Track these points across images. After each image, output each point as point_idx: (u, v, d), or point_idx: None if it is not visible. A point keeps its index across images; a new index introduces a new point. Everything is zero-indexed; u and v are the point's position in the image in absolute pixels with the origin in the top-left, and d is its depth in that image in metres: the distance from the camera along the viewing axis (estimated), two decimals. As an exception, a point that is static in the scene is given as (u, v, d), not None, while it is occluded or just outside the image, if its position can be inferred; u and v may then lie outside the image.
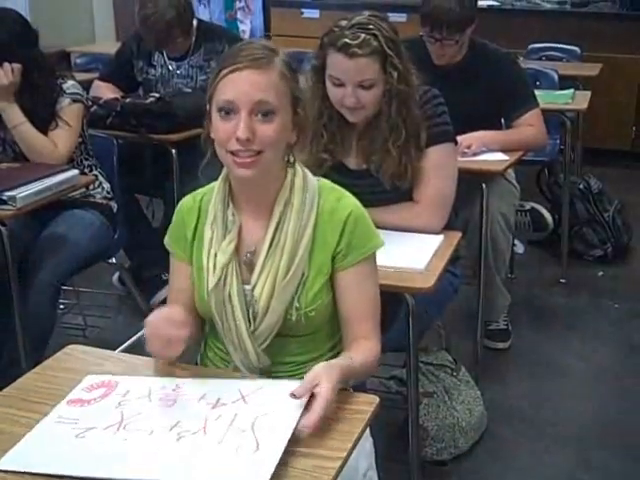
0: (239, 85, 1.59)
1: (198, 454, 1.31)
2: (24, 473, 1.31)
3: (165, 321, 1.55)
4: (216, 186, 1.74)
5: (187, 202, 1.79)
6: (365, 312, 1.72)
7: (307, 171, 1.75)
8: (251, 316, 1.69)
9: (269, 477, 1.24)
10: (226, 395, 1.47)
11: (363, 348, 1.69)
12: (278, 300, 1.67)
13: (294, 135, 1.69)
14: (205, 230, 1.72)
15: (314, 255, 1.68)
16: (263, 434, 1.34)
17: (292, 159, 1.72)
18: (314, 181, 1.74)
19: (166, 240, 1.80)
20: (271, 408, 1.42)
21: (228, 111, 1.60)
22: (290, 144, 1.70)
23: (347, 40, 2.16)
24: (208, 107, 1.66)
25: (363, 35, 2.16)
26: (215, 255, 1.70)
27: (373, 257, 1.73)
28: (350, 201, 1.73)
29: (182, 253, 1.77)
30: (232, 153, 1.61)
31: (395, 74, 2.20)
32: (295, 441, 1.35)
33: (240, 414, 1.41)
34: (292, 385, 1.44)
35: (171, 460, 1.30)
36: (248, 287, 1.69)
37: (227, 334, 1.71)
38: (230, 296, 1.69)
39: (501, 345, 3.40)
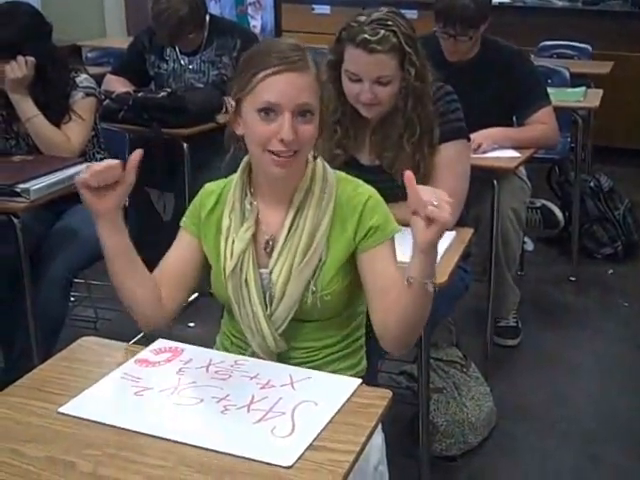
0: (282, 87, 1.63)
1: (237, 428, 1.40)
2: (81, 419, 1.42)
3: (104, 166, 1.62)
4: (235, 177, 1.78)
5: (210, 186, 1.83)
6: (391, 287, 1.68)
7: (326, 164, 1.79)
8: (267, 300, 1.73)
9: (293, 462, 1.30)
10: (277, 378, 1.55)
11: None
12: (294, 284, 1.70)
13: (319, 131, 1.73)
14: (223, 218, 1.76)
15: (332, 241, 1.72)
16: (301, 420, 1.41)
17: (315, 153, 1.76)
18: (332, 173, 1.78)
19: (183, 219, 1.83)
20: (315, 397, 1.48)
21: (269, 112, 1.63)
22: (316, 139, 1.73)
23: (366, 36, 2.16)
24: (233, 105, 1.69)
25: (382, 31, 2.16)
26: (233, 242, 1.74)
27: (393, 241, 1.75)
28: (366, 189, 1.77)
29: (194, 227, 1.80)
30: (272, 152, 1.65)
31: (412, 71, 2.21)
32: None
33: (285, 398, 1.48)
34: (338, 378, 1.57)
35: (212, 429, 1.40)
36: (266, 271, 1.73)
37: (244, 319, 1.74)
38: (247, 281, 1.72)
39: (511, 342, 3.40)
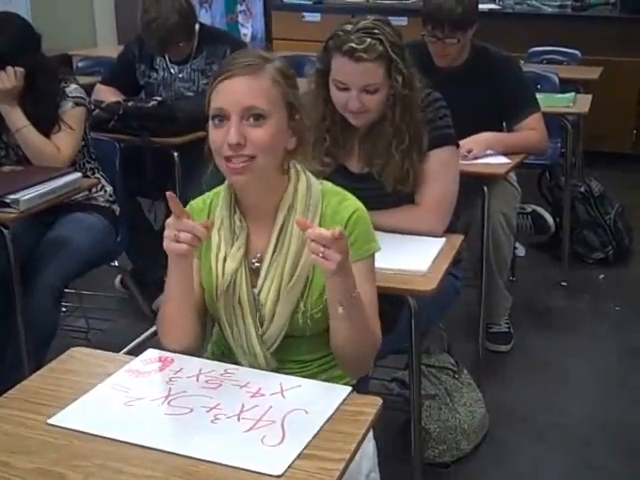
0: (229, 92, 1.62)
1: (227, 437, 1.40)
2: (71, 430, 1.43)
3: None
4: (222, 192, 1.76)
5: (197, 204, 1.81)
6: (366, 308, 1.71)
7: (310, 176, 1.77)
8: (258, 321, 1.71)
9: (283, 471, 1.30)
10: (267, 387, 1.55)
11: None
12: (283, 305, 1.69)
13: (293, 141, 1.71)
14: (212, 235, 1.74)
15: None
16: (291, 428, 1.41)
17: (293, 165, 1.73)
18: (317, 185, 1.76)
19: None
20: (305, 405, 1.49)
21: (221, 118, 1.63)
22: (289, 150, 1.71)
23: (353, 44, 2.16)
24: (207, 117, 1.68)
25: (369, 40, 2.17)
26: (224, 260, 1.72)
27: (370, 259, 1.74)
28: (353, 203, 1.74)
29: (195, 250, 1.76)
30: (226, 159, 1.63)
31: (400, 79, 2.21)
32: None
33: (275, 406, 1.48)
34: (329, 386, 1.58)
35: (201, 439, 1.40)
36: (255, 290, 1.72)
37: (236, 338, 1.73)
38: (240, 301, 1.71)
39: (503, 347, 3.40)
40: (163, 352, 1.70)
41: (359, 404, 1.50)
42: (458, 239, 2.36)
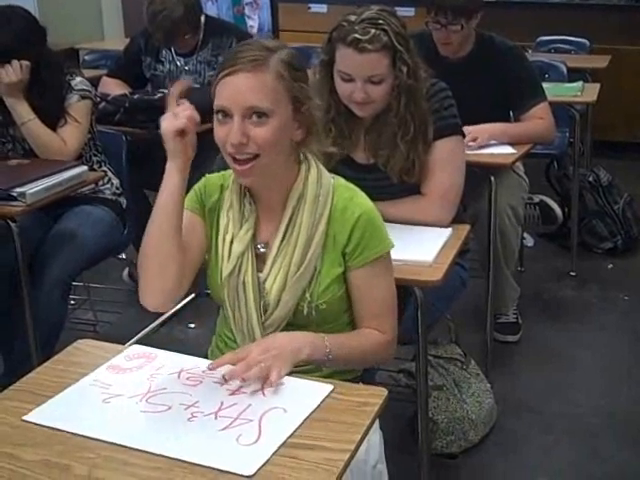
0: (232, 89, 1.61)
1: (202, 436, 1.37)
2: (46, 427, 1.40)
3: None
4: (233, 174, 1.74)
5: (213, 179, 1.79)
6: (378, 310, 1.75)
7: (322, 167, 1.75)
8: (262, 308, 1.71)
9: (255, 470, 1.27)
10: (248, 384, 1.51)
11: (367, 333, 1.74)
12: (289, 293, 1.68)
13: (300, 132, 1.69)
14: (221, 216, 1.74)
15: (327, 250, 1.70)
16: (268, 427, 1.38)
17: (304, 156, 1.72)
18: (329, 178, 1.75)
19: (186, 202, 1.73)
20: (285, 403, 1.45)
21: (224, 115, 1.62)
22: (297, 142, 1.69)
23: (357, 35, 2.15)
24: None
25: (373, 30, 2.16)
26: (231, 242, 1.71)
27: (386, 257, 1.74)
28: (362, 202, 1.73)
29: (200, 209, 1.75)
30: (231, 156, 1.63)
31: (405, 69, 2.20)
32: (303, 434, 1.37)
33: (254, 404, 1.45)
34: (311, 384, 1.51)
35: (176, 438, 1.36)
36: (261, 276, 1.71)
37: (237, 322, 1.73)
38: (244, 284, 1.71)
39: (511, 338, 3.40)
40: (147, 348, 1.67)
41: (365, 395, 1.49)
42: (464, 229, 2.35)
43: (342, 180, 1.78)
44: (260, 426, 1.38)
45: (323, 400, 1.46)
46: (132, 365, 1.61)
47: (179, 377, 1.56)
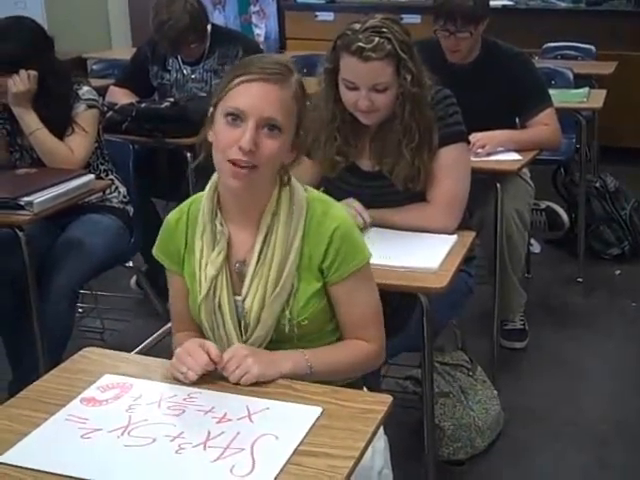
0: (253, 96, 1.60)
1: (193, 470, 1.31)
2: (25, 468, 1.33)
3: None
4: (204, 195, 1.73)
5: (173, 217, 1.78)
6: (362, 321, 1.73)
7: (296, 182, 1.73)
8: (242, 328, 1.70)
9: None
10: (233, 411, 1.46)
11: (353, 345, 1.73)
12: (268, 312, 1.67)
13: (291, 156, 1.70)
14: (195, 241, 1.73)
15: (302, 267, 1.68)
16: (261, 455, 1.34)
17: (286, 178, 1.71)
18: (302, 192, 1.72)
19: (155, 252, 1.80)
20: (274, 430, 1.41)
21: (235, 118, 1.60)
22: (284, 164, 1.69)
23: (361, 44, 2.16)
24: (211, 111, 1.66)
25: (377, 39, 2.17)
26: (206, 265, 1.70)
27: (363, 270, 1.72)
28: (337, 214, 1.71)
29: (175, 266, 1.78)
30: (231, 162, 1.60)
31: (409, 77, 2.21)
32: (307, 441, 1.37)
33: (243, 432, 1.40)
34: (299, 408, 1.47)
35: (166, 473, 1.31)
36: (239, 298, 1.70)
37: (219, 343, 1.69)
38: (220, 306, 1.70)
39: (518, 344, 3.39)
40: (121, 377, 1.60)
41: (369, 402, 1.49)
42: (470, 236, 2.35)
43: (315, 192, 1.77)
44: (253, 455, 1.33)
45: (313, 424, 1.41)
46: (107, 396, 1.53)
47: (159, 407, 1.49)
